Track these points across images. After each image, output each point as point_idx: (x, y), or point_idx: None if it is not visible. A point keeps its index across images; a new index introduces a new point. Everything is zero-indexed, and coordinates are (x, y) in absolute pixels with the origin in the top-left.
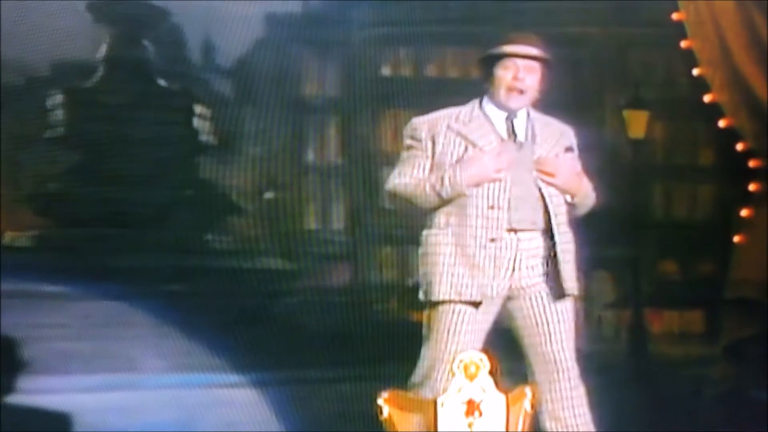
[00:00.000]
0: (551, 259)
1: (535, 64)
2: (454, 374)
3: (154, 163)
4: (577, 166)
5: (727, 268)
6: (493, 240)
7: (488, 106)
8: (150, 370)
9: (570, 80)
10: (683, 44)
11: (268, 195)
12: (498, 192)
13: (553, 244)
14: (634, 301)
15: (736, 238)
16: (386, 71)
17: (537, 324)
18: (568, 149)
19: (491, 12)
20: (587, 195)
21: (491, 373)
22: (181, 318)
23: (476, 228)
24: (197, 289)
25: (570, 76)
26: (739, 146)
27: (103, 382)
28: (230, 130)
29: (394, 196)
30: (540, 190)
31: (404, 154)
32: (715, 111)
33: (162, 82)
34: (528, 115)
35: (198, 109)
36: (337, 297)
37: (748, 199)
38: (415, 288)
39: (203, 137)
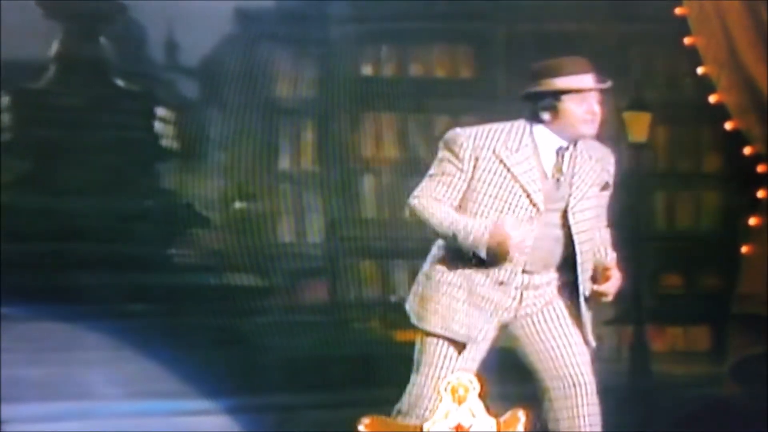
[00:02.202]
0: (571, 293)
1: (599, 93)
2: (441, 398)
3: (111, 171)
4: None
5: (734, 282)
6: (502, 283)
7: (542, 133)
8: (106, 397)
9: None
10: (687, 41)
11: (238, 205)
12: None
13: (575, 280)
14: (636, 317)
15: (743, 249)
16: (367, 71)
17: (545, 341)
18: (605, 187)
19: (482, 8)
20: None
21: (481, 396)
22: (141, 340)
23: (489, 269)
24: (158, 309)
25: None
26: (747, 150)
27: (54, 412)
28: (195, 135)
29: (412, 213)
30: (569, 228)
31: (437, 167)
32: (720, 113)
33: (120, 83)
34: (575, 144)
35: (160, 111)
36: (312, 316)
37: (756, 207)
38: (399, 305)
39: (166, 142)
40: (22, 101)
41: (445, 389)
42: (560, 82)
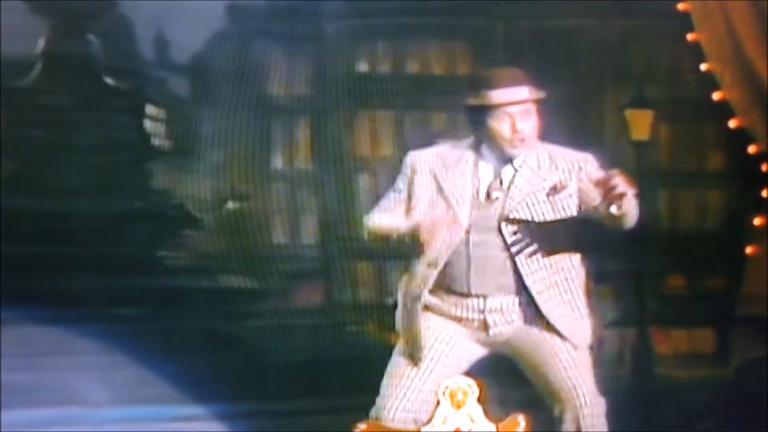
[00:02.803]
0: (529, 313)
1: (530, 106)
2: (439, 402)
3: (100, 171)
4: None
5: (739, 283)
6: (415, 299)
7: (485, 150)
8: (95, 403)
9: (566, 77)
10: (690, 37)
11: (230, 206)
12: (438, 249)
13: (535, 306)
14: (638, 320)
15: (748, 250)
16: (362, 67)
17: (544, 363)
18: (555, 190)
19: (479, 3)
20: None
21: (480, 400)
22: (131, 345)
23: (414, 285)
24: (149, 312)
25: (566, 73)
26: (751, 149)
27: (44, 418)
28: (186, 134)
29: (373, 236)
30: (509, 250)
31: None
32: (724, 110)
33: (109, 81)
34: (525, 158)
35: (150, 110)
36: (307, 319)
37: (761, 206)
38: (395, 308)
39: (156, 141)
40: (7, 100)
41: (444, 393)
42: (485, 98)
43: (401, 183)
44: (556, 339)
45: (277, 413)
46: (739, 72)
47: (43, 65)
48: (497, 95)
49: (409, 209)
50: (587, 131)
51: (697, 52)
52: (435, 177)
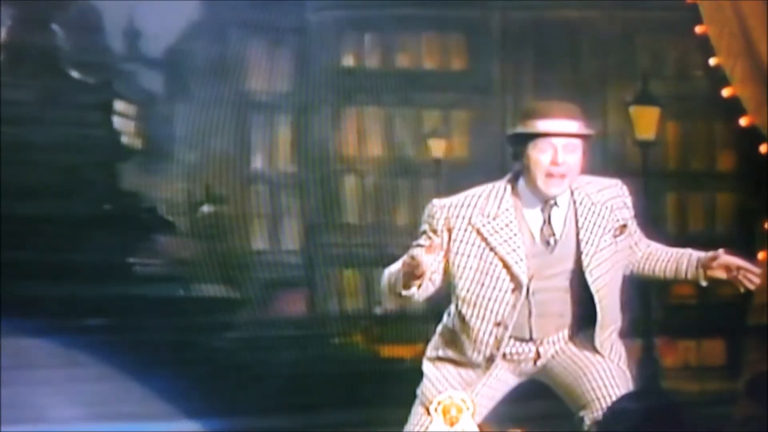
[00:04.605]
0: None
1: (577, 141)
2: (432, 418)
3: (66, 172)
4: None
5: (750, 291)
6: (488, 359)
7: (524, 192)
8: (60, 421)
9: (568, 72)
10: (698, 30)
11: (206, 209)
12: (500, 307)
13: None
14: (644, 330)
15: (760, 255)
16: (348, 61)
17: (576, 378)
18: (621, 231)
19: None
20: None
21: (474, 416)
22: (98, 358)
23: (481, 346)
24: (118, 323)
25: (567, 68)
26: (763, 148)
27: None
28: (159, 132)
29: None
30: (582, 288)
31: (418, 241)
32: (734, 108)
33: (75, 75)
34: (572, 194)
35: (119, 106)
36: (289, 331)
37: None
38: (384, 318)
39: (126, 140)
40: None
41: (436, 410)
42: (531, 125)
43: (426, 239)
44: (589, 353)
45: (256, 431)
46: (750, 67)
47: (3, 57)
48: (544, 125)
49: (448, 271)
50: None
51: (705, 46)
52: (476, 229)
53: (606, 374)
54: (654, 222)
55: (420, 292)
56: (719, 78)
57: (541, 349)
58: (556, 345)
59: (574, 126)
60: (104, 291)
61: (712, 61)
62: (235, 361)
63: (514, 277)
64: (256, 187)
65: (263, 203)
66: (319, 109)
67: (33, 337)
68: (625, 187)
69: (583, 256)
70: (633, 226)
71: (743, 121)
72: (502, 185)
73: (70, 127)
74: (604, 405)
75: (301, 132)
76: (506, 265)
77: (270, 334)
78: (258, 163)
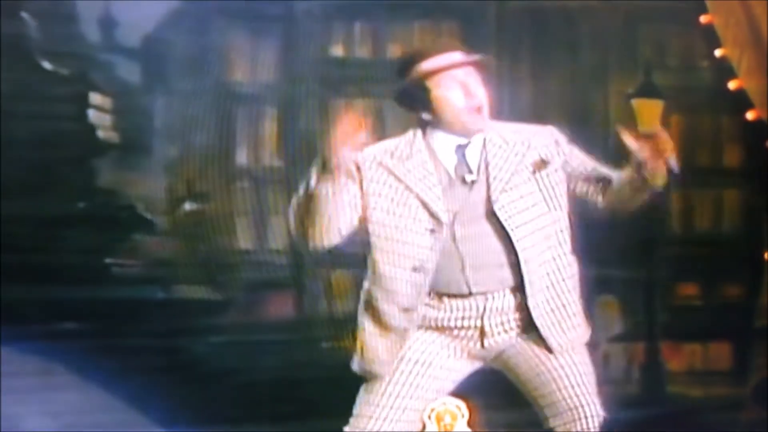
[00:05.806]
0: (525, 319)
1: (473, 71)
2: (424, 426)
3: (39, 168)
4: (578, 165)
5: (758, 292)
6: (406, 310)
7: (437, 136)
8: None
9: (566, 63)
10: (703, 20)
11: (187, 207)
12: (421, 251)
13: (525, 301)
14: (648, 333)
15: (767, 255)
16: (336, 51)
17: (538, 374)
18: (539, 166)
19: None
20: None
21: (470, 423)
22: (75, 364)
23: (398, 293)
24: (95, 328)
25: (567, 59)
26: None
27: None
28: (138, 126)
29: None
30: (508, 237)
31: None
32: (741, 100)
33: (47, 66)
34: (487, 137)
35: (95, 98)
36: (276, 334)
37: None
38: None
39: (102, 134)
40: None
41: (430, 417)
42: (421, 67)
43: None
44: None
45: None
46: (757, 59)
47: None
48: (434, 62)
49: (364, 217)
50: (590, 123)
51: (711, 37)
52: (389, 170)
53: (572, 371)
54: (657, 220)
55: (336, 223)
56: (725, 70)
57: (487, 323)
58: (506, 324)
59: (459, 56)
60: (80, 294)
61: (718, 52)
62: (219, 367)
63: (432, 216)
64: (241, 184)
65: (248, 200)
66: (306, 101)
67: (3, 344)
68: (557, 131)
69: (491, 191)
70: (571, 163)
71: (750, 115)
72: (411, 132)
73: (42, 121)
74: (567, 408)
75: (286, 125)
76: (423, 204)
77: (256, 338)
78: (242, 158)
